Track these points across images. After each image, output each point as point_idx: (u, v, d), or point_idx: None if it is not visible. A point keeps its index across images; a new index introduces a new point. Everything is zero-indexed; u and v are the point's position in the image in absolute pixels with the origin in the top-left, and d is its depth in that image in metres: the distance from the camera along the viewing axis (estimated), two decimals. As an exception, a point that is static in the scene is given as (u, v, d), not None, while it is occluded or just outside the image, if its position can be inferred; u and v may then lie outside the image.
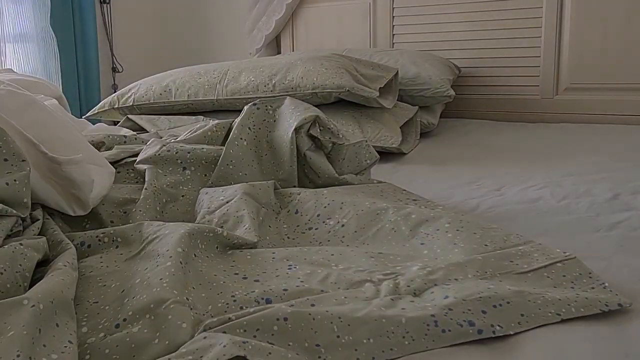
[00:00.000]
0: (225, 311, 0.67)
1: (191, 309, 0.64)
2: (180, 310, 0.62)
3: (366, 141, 1.22)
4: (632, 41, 2.15)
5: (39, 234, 0.83)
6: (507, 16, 2.34)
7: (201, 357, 0.54)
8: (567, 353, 0.61)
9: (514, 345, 0.63)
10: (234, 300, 0.68)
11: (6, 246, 0.70)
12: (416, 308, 0.67)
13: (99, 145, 1.26)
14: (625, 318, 0.68)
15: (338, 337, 0.61)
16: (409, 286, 0.73)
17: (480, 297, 0.67)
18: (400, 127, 1.80)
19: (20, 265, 0.69)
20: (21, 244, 0.72)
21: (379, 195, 1.07)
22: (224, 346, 0.55)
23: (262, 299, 0.69)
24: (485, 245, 0.83)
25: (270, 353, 0.56)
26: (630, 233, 0.99)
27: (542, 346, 0.63)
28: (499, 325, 0.65)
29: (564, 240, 0.96)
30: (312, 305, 0.67)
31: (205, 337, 0.58)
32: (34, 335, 0.56)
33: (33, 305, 0.58)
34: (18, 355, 0.53)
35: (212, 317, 0.65)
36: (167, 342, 0.59)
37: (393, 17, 2.59)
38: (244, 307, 0.67)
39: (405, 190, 1.13)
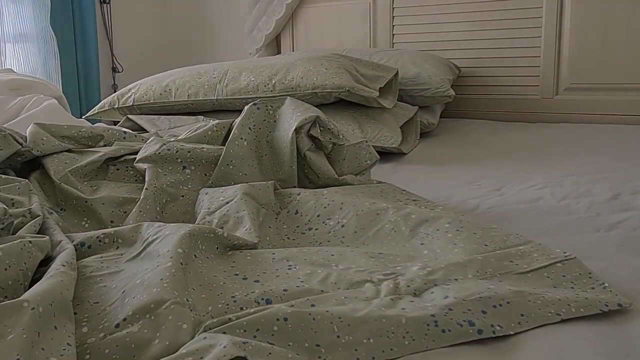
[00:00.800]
0: (225, 312, 0.66)
1: (191, 310, 0.64)
2: (180, 311, 0.62)
3: (366, 141, 1.22)
4: (632, 41, 2.15)
5: (38, 232, 0.83)
6: (507, 16, 2.34)
7: (201, 358, 0.54)
8: (567, 353, 0.61)
9: (514, 345, 0.63)
10: (234, 301, 0.68)
11: (16, 242, 0.70)
12: (416, 308, 0.67)
13: (97, 139, 1.25)
14: (625, 318, 0.68)
15: (338, 337, 0.61)
16: (409, 286, 0.73)
17: (480, 297, 0.67)
18: (400, 127, 1.80)
19: (25, 263, 0.70)
20: (30, 242, 0.72)
21: (379, 196, 1.07)
22: (224, 347, 0.55)
23: (262, 299, 0.69)
24: (485, 245, 0.83)
25: (270, 353, 0.56)
26: (630, 233, 0.99)
27: (542, 346, 0.63)
28: (499, 325, 0.65)
29: (564, 240, 0.96)
30: (312, 305, 0.67)
31: (205, 338, 0.58)
32: (33, 339, 0.56)
33: (33, 308, 0.58)
34: (18, 359, 0.53)
35: (212, 318, 0.65)
36: (167, 343, 0.59)
37: (393, 17, 2.59)
38: (244, 308, 0.67)
39: (405, 190, 1.13)
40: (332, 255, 0.83)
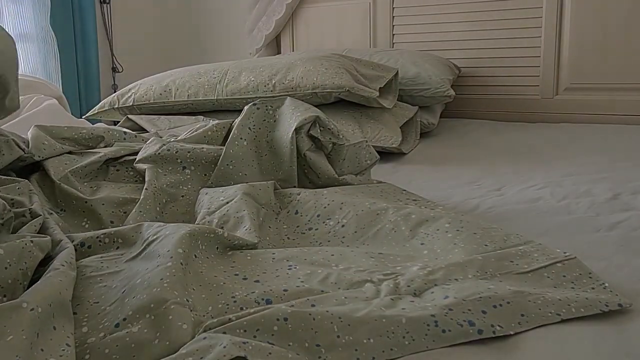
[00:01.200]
0: (226, 312, 0.67)
1: (191, 310, 0.64)
2: (180, 311, 0.62)
3: (366, 141, 1.22)
4: (632, 41, 2.15)
5: (38, 232, 0.83)
6: (507, 16, 2.34)
7: (201, 358, 0.54)
8: (567, 353, 0.61)
9: (514, 345, 0.63)
10: (234, 301, 0.68)
11: (18, 240, 0.70)
12: (416, 308, 0.67)
13: (97, 140, 1.25)
14: (626, 318, 0.68)
15: (338, 337, 0.61)
16: (409, 286, 0.73)
17: (481, 297, 0.67)
18: (400, 127, 1.80)
19: (25, 263, 0.69)
20: (32, 241, 0.72)
21: (379, 196, 1.07)
22: (224, 347, 0.55)
23: (263, 299, 0.69)
24: (485, 245, 0.83)
25: (270, 353, 0.57)
26: (630, 233, 0.99)
27: (542, 346, 0.63)
28: (499, 326, 0.65)
29: (564, 240, 0.96)
30: (313, 305, 0.67)
31: (205, 338, 0.58)
32: (33, 340, 0.56)
33: (32, 309, 0.58)
34: None
35: (212, 318, 0.65)
36: (167, 343, 0.59)
37: (393, 17, 2.59)
38: (244, 308, 0.67)
39: (405, 190, 1.13)
40: (332, 255, 0.83)
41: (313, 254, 0.83)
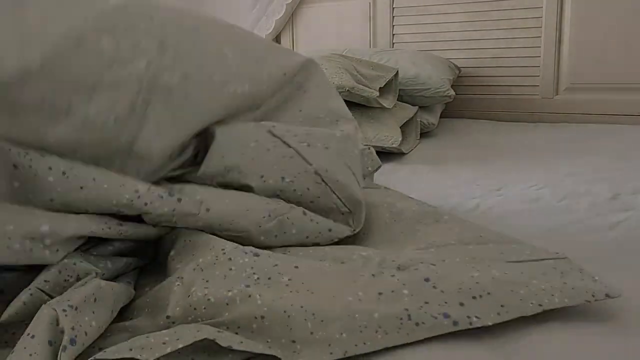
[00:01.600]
0: (214, 263, 0.71)
1: (178, 277, 0.70)
2: (163, 291, 0.69)
3: (369, 148, 1.21)
4: (632, 41, 2.15)
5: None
6: (507, 16, 2.34)
7: (177, 339, 0.58)
8: (568, 353, 0.61)
9: (515, 345, 0.63)
10: (224, 253, 0.73)
11: (94, 266, 0.73)
12: (391, 297, 0.67)
13: None
14: (627, 318, 0.68)
15: (312, 333, 0.62)
16: (393, 261, 0.74)
17: (460, 289, 0.67)
18: (400, 127, 1.81)
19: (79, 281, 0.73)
20: (109, 284, 0.71)
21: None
22: (198, 331, 0.59)
23: (251, 252, 0.73)
24: (480, 236, 0.84)
25: (242, 342, 0.59)
26: (630, 233, 0.99)
27: (543, 346, 0.63)
28: (475, 317, 0.64)
29: (564, 240, 0.96)
30: (294, 256, 0.72)
31: (186, 326, 0.62)
32: (90, 301, 0.63)
33: (96, 276, 0.69)
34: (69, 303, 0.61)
35: (201, 270, 0.70)
36: (154, 323, 0.65)
37: (393, 17, 2.59)
38: (232, 259, 0.72)
39: (411, 197, 1.14)
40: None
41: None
